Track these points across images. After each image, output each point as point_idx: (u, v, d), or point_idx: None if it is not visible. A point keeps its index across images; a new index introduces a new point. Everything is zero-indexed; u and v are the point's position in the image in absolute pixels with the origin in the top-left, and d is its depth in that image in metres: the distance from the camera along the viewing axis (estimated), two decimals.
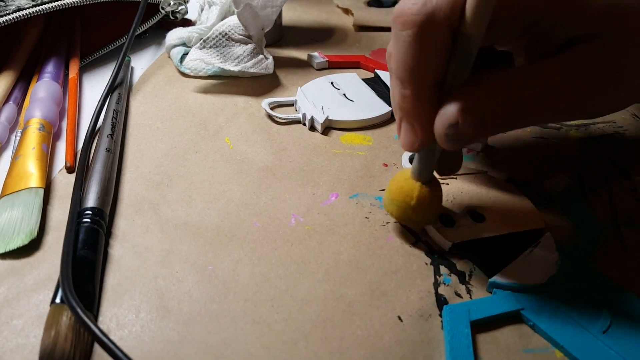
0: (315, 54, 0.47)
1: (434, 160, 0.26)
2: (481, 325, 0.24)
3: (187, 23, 0.51)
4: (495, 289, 0.25)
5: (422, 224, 0.28)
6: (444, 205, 0.29)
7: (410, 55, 0.21)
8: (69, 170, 0.33)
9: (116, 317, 0.24)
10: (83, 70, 0.45)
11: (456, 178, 0.31)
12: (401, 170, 0.28)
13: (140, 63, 0.46)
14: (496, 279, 0.25)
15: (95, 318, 0.24)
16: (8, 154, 0.34)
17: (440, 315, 0.24)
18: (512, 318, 0.24)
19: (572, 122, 0.39)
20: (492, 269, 0.26)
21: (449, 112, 0.21)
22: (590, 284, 0.25)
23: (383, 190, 0.32)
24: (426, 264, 0.27)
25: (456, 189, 0.31)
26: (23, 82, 0.40)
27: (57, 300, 0.23)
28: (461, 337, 0.23)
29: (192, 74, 0.43)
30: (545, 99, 0.21)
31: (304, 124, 0.38)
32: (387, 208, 0.28)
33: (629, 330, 0.23)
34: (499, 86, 0.21)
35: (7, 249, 0.26)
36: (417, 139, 0.23)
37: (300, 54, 0.48)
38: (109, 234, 0.28)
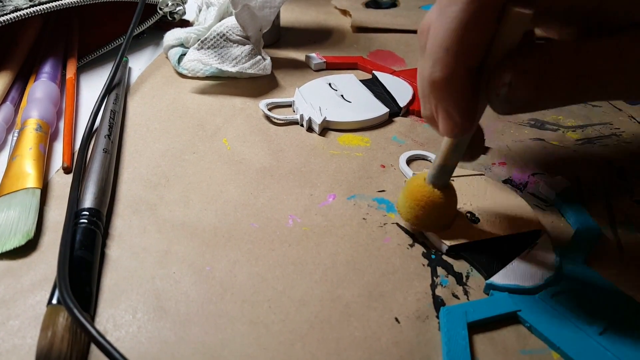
0: (313, 55, 0.47)
1: (453, 168, 0.25)
2: (478, 327, 0.24)
3: (185, 24, 0.51)
4: (492, 291, 0.25)
5: (433, 229, 0.28)
6: None
7: (455, 30, 0.19)
8: (66, 170, 0.32)
9: (113, 318, 0.24)
10: (80, 70, 0.44)
11: (453, 180, 0.31)
12: (417, 174, 0.28)
13: (138, 63, 0.46)
14: (493, 280, 0.25)
15: (92, 319, 0.24)
16: (5, 154, 0.34)
17: (438, 317, 0.24)
18: (509, 319, 0.24)
19: (570, 124, 0.39)
20: (490, 271, 0.26)
21: (503, 69, 0.20)
22: (587, 286, 0.25)
23: (381, 191, 0.32)
24: (423, 265, 0.27)
25: None
26: (20, 82, 0.40)
27: (54, 301, 0.23)
28: (458, 338, 0.23)
29: (189, 75, 0.43)
30: (608, 75, 0.20)
31: (302, 125, 0.38)
32: (399, 210, 0.28)
33: (626, 331, 0.23)
34: (560, 53, 0.20)
35: (4, 250, 0.26)
36: (456, 126, 0.22)
37: (298, 55, 0.48)
38: (106, 235, 0.28)
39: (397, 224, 0.29)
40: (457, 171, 0.32)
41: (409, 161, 0.34)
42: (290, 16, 0.57)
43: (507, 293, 0.25)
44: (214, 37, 0.42)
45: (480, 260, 0.27)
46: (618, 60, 0.20)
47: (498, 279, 0.25)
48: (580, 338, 0.23)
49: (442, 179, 0.26)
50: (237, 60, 0.42)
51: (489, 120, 0.39)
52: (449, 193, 0.27)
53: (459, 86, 0.21)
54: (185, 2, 0.50)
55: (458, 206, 0.29)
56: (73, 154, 0.34)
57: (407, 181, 0.28)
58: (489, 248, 0.27)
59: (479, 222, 0.29)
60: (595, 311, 0.24)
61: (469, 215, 0.29)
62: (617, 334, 0.23)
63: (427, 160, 0.35)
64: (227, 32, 0.42)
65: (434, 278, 0.26)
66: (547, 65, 0.20)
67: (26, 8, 0.39)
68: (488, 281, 0.25)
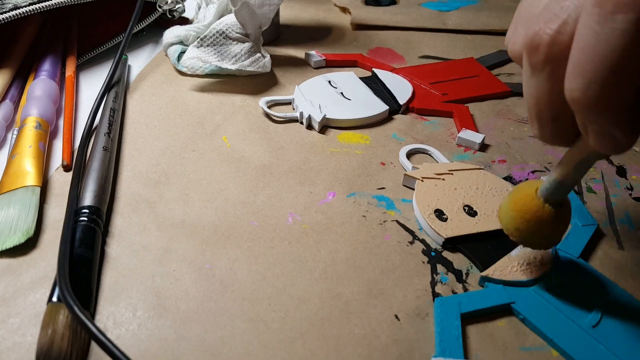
0: (313, 52, 0.47)
1: (574, 185, 0.22)
2: (476, 322, 0.24)
3: (185, 21, 0.51)
4: (487, 283, 0.25)
5: (541, 247, 0.25)
6: (440, 200, 0.29)
7: (626, 48, 0.16)
8: (66, 168, 0.32)
9: (113, 316, 0.24)
10: (80, 68, 0.44)
11: (452, 173, 0.31)
12: (529, 181, 0.24)
13: (138, 61, 0.46)
14: (488, 273, 0.25)
15: (92, 316, 0.24)
16: (4, 152, 0.34)
17: None
18: (503, 311, 0.24)
19: None
20: (485, 263, 0.26)
21: None
22: (582, 280, 0.26)
23: (380, 188, 0.32)
24: (423, 262, 0.27)
25: (452, 184, 0.31)
26: (20, 80, 0.40)
27: (54, 298, 0.23)
28: (451, 328, 0.23)
29: (189, 73, 0.43)
30: None
31: (302, 123, 0.38)
32: (500, 217, 0.25)
33: (619, 325, 0.23)
34: None
35: (4, 247, 0.26)
36: (619, 144, 0.18)
37: (298, 53, 0.48)
38: (106, 233, 0.28)
39: (397, 221, 0.30)
40: (457, 165, 0.32)
41: (409, 155, 0.35)
42: (290, 14, 0.57)
43: (502, 285, 0.25)
44: (214, 34, 0.42)
45: (476, 252, 0.27)
46: None
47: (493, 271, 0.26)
48: (573, 331, 0.23)
49: (558, 195, 0.22)
50: (237, 58, 0.42)
51: (489, 117, 0.39)
52: (562, 212, 0.23)
53: (623, 106, 0.17)
54: (185, 0, 0.50)
55: (456, 200, 0.30)
56: (73, 152, 0.34)
57: (515, 188, 0.24)
58: (485, 241, 0.27)
59: (477, 215, 0.29)
60: (588, 304, 0.24)
61: (466, 208, 0.29)
62: (610, 327, 0.23)
63: (427, 154, 0.35)
64: (226, 29, 0.42)
65: (434, 275, 0.26)
66: None
67: (25, 6, 0.39)
68: (483, 273, 0.26)
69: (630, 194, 0.32)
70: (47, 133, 0.34)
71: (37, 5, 0.39)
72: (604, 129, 0.18)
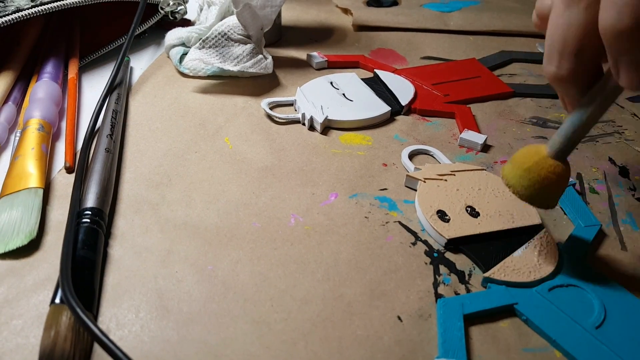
0: (315, 53, 0.47)
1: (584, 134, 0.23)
2: (478, 323, 0.24)
3: (187, 23, 0.51)
4: (490, 284, 0.25)
5: (544, 205, 0.25)
6: (442, 201, 0.29)
7: None
8: (69, 170, 0.33)
9: (116, 317, 0.24)
10: (82, 70, 0.45)
11: (454, 174, 0.31)
12: (531, 145, 0.25)
13: (140, 63, 0.46)
14: (491, 273, 0.25)
15: (94, 318, 0.24)
16: (7, 154, 0.34)
17: None
18: (506, 312, 0.24)
19: None
20: (488, 264, 0.26)
21: None
22: (585, 281, 0.26)
23: (383, 189, 0.32)
24: (426, 263, 0.27)
25: (454, 185, 0.31)
26: (22, 82, 0.40)
27: (57, 300, 0.23)
28: (454, 329, 0.23)
29: (191, 74, 0.43)
30: None
31: (304, 124, 0.38)
32: (510, 182, 0.25)
33: (622, 326, 0.23)
34: None
35: (7, 249, 0.26)
36: None
37: (300, 54, 0.48)
38: (108, 234, 0.28)
39: (399, 222, 0.29)
40: (459, 166, 0.32)
41: (411, 156, 0.35)
42: (292, 15, 0.57)
43: (505, 286, 0.25)
44: (216, 36, 0.42)
45: (479, 253, 0.27)
46: None
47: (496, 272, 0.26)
48: (576, 331, 0.23)
49: (566, 151, 0.24)
50: (239, 60, 0.42)
51: (491, 118, 0.39)
52: (567, 169, 0.24)
53: None
54: (187, 2, 0.50)
55: (458, 201, 0.30)
56: (75, 154, 0.34)
57: (520, 151, 0.25)
58: (488, 242, 0.27)
59: (479, 216, 0.29)
60: (591, 305, 0.24)
61: (469, 209, 0.29)
62: (613, 328, 0.23)
63: (429, 155, 0.35)
64: (228, 31, 0.42)
65: (436, 276, 0.26)
66: None
67: (28, 8, 0.39)
68: (486, 274, 0.26)
69: (633, 195, 0.32)
70: (50, 135, 0.34)
71: (39, 8, 0.39)
72: (635, 59, 0.19)
